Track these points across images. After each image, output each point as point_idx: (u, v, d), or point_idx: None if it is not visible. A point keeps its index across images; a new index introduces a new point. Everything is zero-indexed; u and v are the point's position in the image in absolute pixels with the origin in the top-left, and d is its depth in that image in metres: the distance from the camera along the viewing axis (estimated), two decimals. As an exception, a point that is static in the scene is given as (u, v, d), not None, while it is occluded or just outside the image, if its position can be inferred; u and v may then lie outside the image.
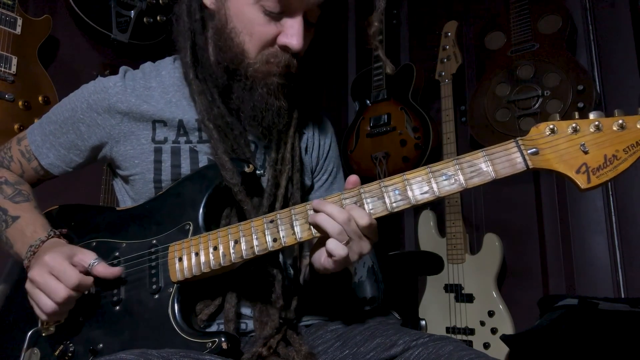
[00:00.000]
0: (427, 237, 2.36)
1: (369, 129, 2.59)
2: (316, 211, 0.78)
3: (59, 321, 0.88)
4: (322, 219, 0.77)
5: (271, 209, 0.94)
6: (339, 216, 0.76)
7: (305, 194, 1.08)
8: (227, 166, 0.89)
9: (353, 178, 0.82)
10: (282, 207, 0.94)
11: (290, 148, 0.99)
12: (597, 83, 2.10)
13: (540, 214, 2.22)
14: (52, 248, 0.85)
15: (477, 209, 2.40)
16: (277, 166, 0.97)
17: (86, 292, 0.85)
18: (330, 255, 0.78)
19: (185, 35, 0.96)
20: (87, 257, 0.84)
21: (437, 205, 2.34)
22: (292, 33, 0.89)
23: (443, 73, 2.40)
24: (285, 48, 0.90)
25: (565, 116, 2.02)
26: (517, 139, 0.76)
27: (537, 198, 2.25)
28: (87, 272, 0.83)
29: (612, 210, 2.02)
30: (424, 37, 2.77)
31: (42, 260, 0.82)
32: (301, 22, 0.89)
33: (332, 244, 0.77)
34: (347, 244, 0.77)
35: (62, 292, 0.79)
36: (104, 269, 0.83)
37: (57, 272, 0.80)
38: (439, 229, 2.35)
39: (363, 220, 0.76)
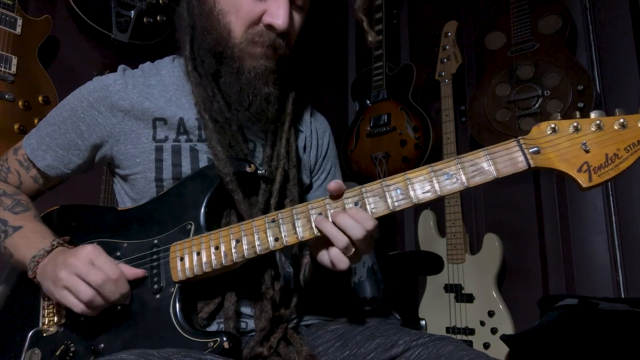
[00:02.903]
0: (427, 237, 2.36)
1: (369, 129, 2.59)
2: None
3: (62, 322, 0.88)
4: (333, 232, 0.78)
5: (266, 205, 0.94)
6: (356, 234, 0.77)
7: (303, 192, 1.08)
8: (219, 155, 0.89)
9: (333, 185, 0.81)
10: (278, 203, 0.95)
11: (285, 143, 0.99)
12: (597, 83, 2.10)
13: (540, 214, 2.22)
14: (69, 255, 0.84)
15: (477, 209, 2.40)
16: (272, 162, 0.97)
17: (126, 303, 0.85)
18: (333, 264, 0.79)
19: (186, 31, 0.97)
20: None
21: (437, 205, 2.34)
22: (277, 12, 0.89)
23: (443, 73, 2.39)
24: (270, 27, 0.90)
25: (566, 116, 2.02)
26: (519, 137, 0.76)
27: (537, 198, 2.25)
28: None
29: (612, 210, 2.02)
30: (424, 37, 2.77)
31: (82, 250, 0.82)
32: (287, 2, 0.90)
33: (336, 255, 0.78)
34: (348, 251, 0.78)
35: (100, 275, 0.80)
36: (128, 270, 0.84)
37: (96, 261, 0.81)
38: (439, 229, 2.35)
39: (368, 224, 0.77)
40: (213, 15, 0.93)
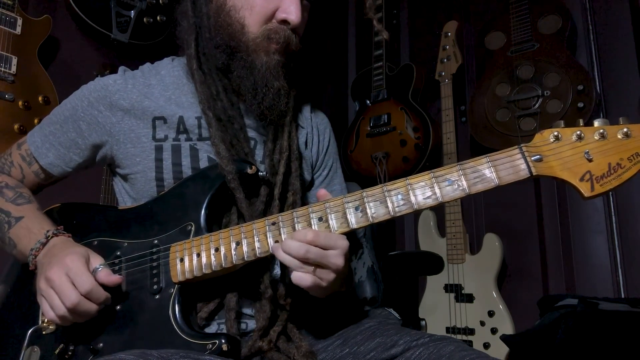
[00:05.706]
0: (427, 237, 2.36)
1: (369, 129, 2.59)
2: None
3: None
4: (284, 258, 0.79)
5: (269, 197, 0.94)
6: (297, 252, 0.77)
7: (305, 188, 1.08)
8: (222, 154, 0.90)
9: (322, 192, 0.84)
10: (281, 194, 0.95)
11: (287, 137, 1.00)
12: (597, 83, 2.10)
13: (540, 214, 2.22)
14: (68, 248, 0.84)
15: (477, 209, 2.40)
16: (275, 155, 0.98)
17: (113, 305, 0.84)
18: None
19: (191, 30, 0.98)
20: (95, 262, 0.84)
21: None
22: (290, 8, 0.93)
23: (443, 73, 2.39)
24: (284, 22, 0.94)
25: (566, 116, 1.99)
26: (521, 145, 0.75)
27: (537, 198, 2.25)
28: None
29: (612, 210, 2.02)
30: (424, 37, 2.77)
31: (62, 261, 0.81)
32: None
33: (295, 276, 0.79)
34: (314, 272, 0.79)
35: (73, 296, 0.78)
36: (105, 276, 0.82)
37: (73, 275, 0.79)
38: (439, 229, 2.35)
39: (308, 236, 0.77)
40: (224, 11, 0.95)
